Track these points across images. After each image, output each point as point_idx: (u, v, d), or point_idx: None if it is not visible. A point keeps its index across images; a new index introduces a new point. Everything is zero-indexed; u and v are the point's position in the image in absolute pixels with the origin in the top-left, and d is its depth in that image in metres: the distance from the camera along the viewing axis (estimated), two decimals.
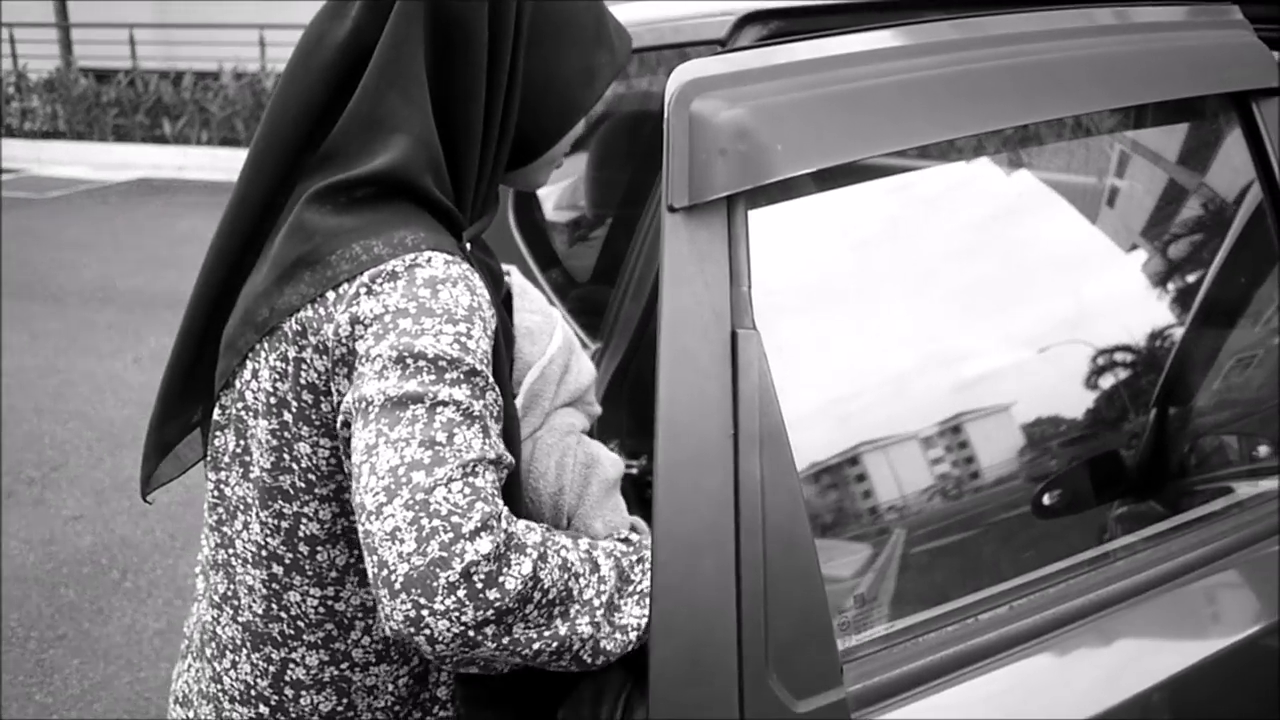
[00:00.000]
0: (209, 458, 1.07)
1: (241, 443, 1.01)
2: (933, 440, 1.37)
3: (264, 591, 1.01)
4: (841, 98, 0.91)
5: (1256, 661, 1.15)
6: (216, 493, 1.05)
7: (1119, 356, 1.68)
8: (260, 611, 1.02)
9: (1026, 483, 1.53)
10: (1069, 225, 1.52)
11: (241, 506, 1.02)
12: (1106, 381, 1.66)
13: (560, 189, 2.55)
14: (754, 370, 0.85)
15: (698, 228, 0.85)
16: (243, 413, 1.00)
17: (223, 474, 1.04)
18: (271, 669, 1.03)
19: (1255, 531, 1.19)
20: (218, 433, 1.04)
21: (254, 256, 1.01)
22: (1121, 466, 1.68)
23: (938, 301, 1.29)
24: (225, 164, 9.93)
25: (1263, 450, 1.65)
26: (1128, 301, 1.67)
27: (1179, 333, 1.66)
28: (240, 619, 1.04)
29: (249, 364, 0.99)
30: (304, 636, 1.02)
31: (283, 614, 1.01)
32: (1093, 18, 1.18)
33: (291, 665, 1.02)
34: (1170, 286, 1.68)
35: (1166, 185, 1.57)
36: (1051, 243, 1.52)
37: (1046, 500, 1.60)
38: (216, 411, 1.04)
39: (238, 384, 1.00)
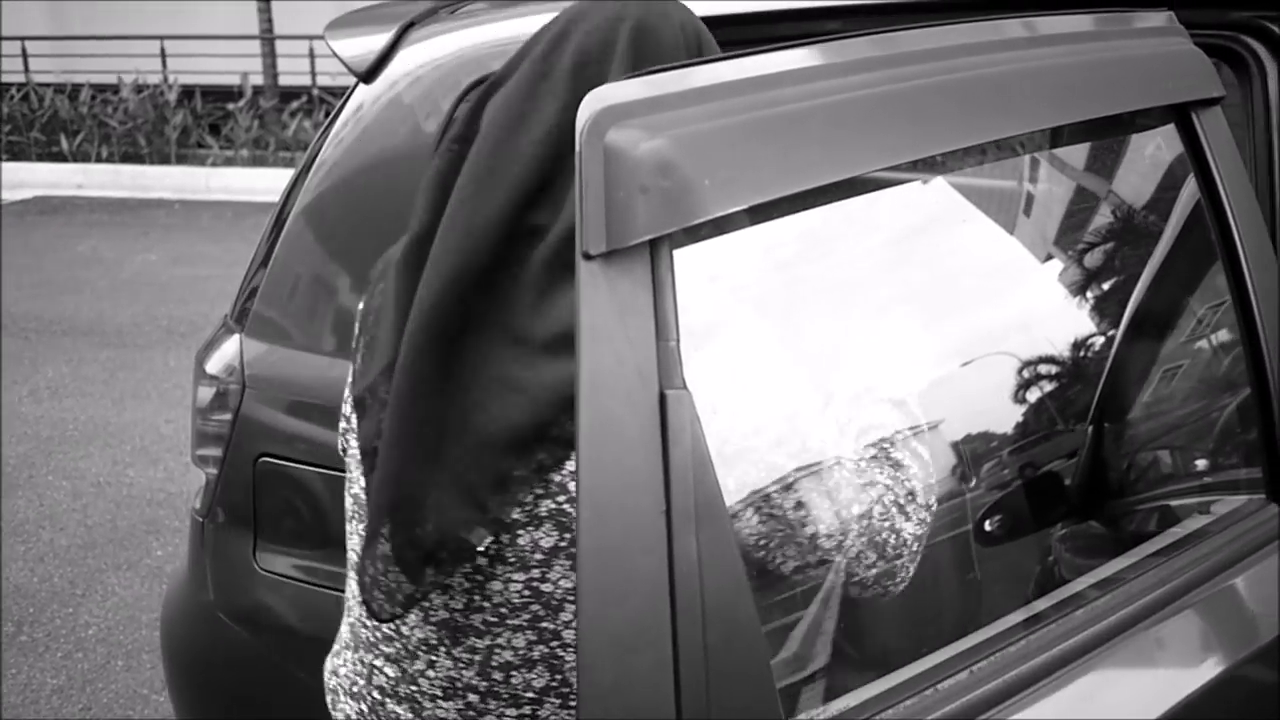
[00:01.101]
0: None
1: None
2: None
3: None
4: (773, 123, 0.82)
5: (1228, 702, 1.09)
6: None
7: (1055, 372, 1.63)
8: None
9: (969, 512, 1.47)
10: (1004, 245, 1.46)
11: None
12: (1042, 399, 1.60)
13: None
14: (686, 436, 0.75)
15: (618, 276, 0.75)
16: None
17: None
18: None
19: (1214, 564, 1.13)
20: None
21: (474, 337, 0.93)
22: (1061, 487, 1.63)
23: (875, 336, 1.20)
24: (128, 181, 9.55)
25: (1200, 464, 1.61)
26: (1063, 317, 1.62)
27: (1117, 347, 1.61)
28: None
29: None
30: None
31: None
32: (1032, 28, 1.11)
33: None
34: (1106, 301, 1.63)
35: (1102, 199, 1.52)
36: (988, 263, 1.46)
37: (988, 527, 1.54)
38: None
39: None
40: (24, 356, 5.54)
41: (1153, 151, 1.40)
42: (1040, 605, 1.07)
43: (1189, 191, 1.31)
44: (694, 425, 0.76)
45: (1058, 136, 1.22)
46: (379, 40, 1.72)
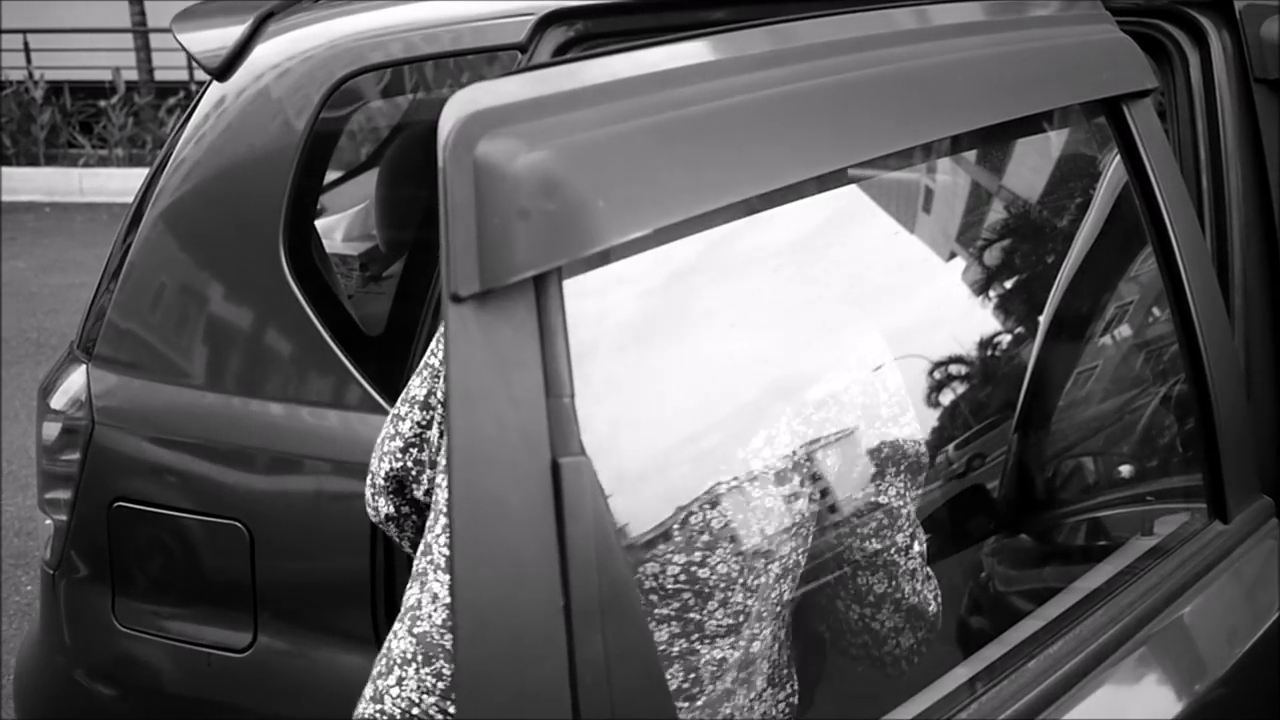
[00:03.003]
0: None
1: None
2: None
3: None
4: (678, 129, 0.69)
5: None
6: None
7: (977, 377, 1.55)
8: None
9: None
10: (923, 251, 1.37)
11: None
12: (963, 404, 1.52)
13: (351, 215, 2.25)
14: (587, 512, 0.62)
15: (496, 322, 0.61)
16: None
17: None
18: None
19: (1164, 594, 1.05)
20: None
21: None
22: (988, 500, 1.55)
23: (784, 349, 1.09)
24: None
25: (1124, 471, 1.55)
26: (984, 319, 1.54)
27: (1043, 349, 1.53)
28: None
29: None
30: None
31: None
32: (956, 14, 1.00)
33: None
34: (1029, 302, 1.55)
35: (1023, 195, 1.44)
36: (909, 270, 1.36)
37: (917, 548, 1.45)
38: None
39: None
40: None
41: (1078, 144, 1.32)
42: (988, 655, 0.97)
43: (1119, 185, 1.23)
44: (595, 498, 0.62)
45: (981, 133, 1.12)
46: (232, 33, 1.54)
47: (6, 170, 9.12)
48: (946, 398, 1.47)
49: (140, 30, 9.78)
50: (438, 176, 0.61)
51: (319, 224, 2.30)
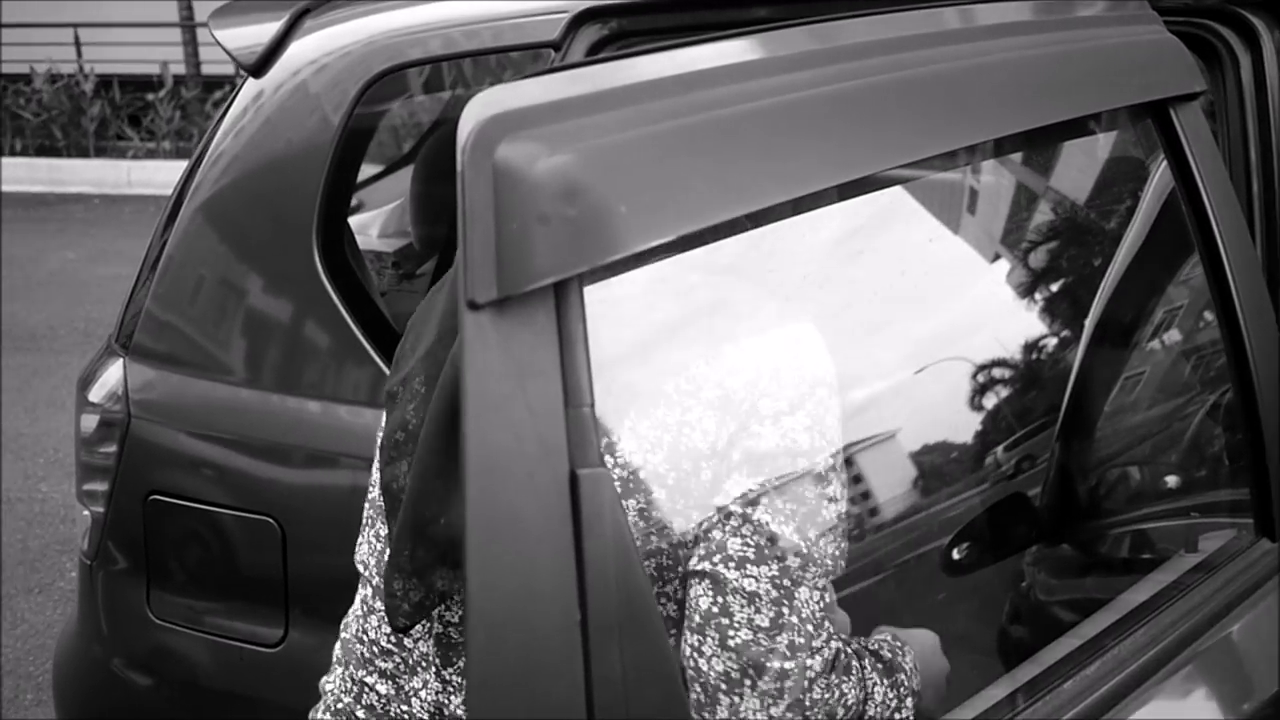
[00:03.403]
0: None
1: None
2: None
3: None
4: (706, 131, 0.67)
5: None
6: None
7: (1021, 384, 1.52)
8: None
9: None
10: (966, 254, 1.34)
11: None
12: (1006, 414, 1.49)
13: (387, 211, 2.26)
14: (605, 524, 0.60)
15: (514, 329, 0.60)
16: None
17: None
18: None
19: (1208, 614, 1.02)
20: None
21: None
22: (1030, 508, 1.52)
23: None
24: (45, 175, 9.15)
25: (1168, 482, 1.51)
26: (1027, 325, 1.51)
27: (1087, 356, 1.50)
28: None
29: None
30: None
31: None
32: (999, 14, 0.97)
33: None
34: (1073, 309, 1.52)
35: (1069, 199, 1.40)
36: (947, 270, 1.33)
37: (956, 556, 1.42)
38: None
39: None
40: None
41: (1124, 148, 1.29)
42: (1024, 674, 0.94)
43: (1166, 190, 1.19)
44: (614, 511, 0.61)
45: (1021, 137, 1.09)
46: (268, 29, 1.55)
47: (58, 162, 9.28)
48: (989, 403, 1.45)
49: (188, 25, 9.90)
50: (456, 180, 0.60)
51: (357, 219, 2.31)
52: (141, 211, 8.09)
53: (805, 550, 0.80)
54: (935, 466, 1.43)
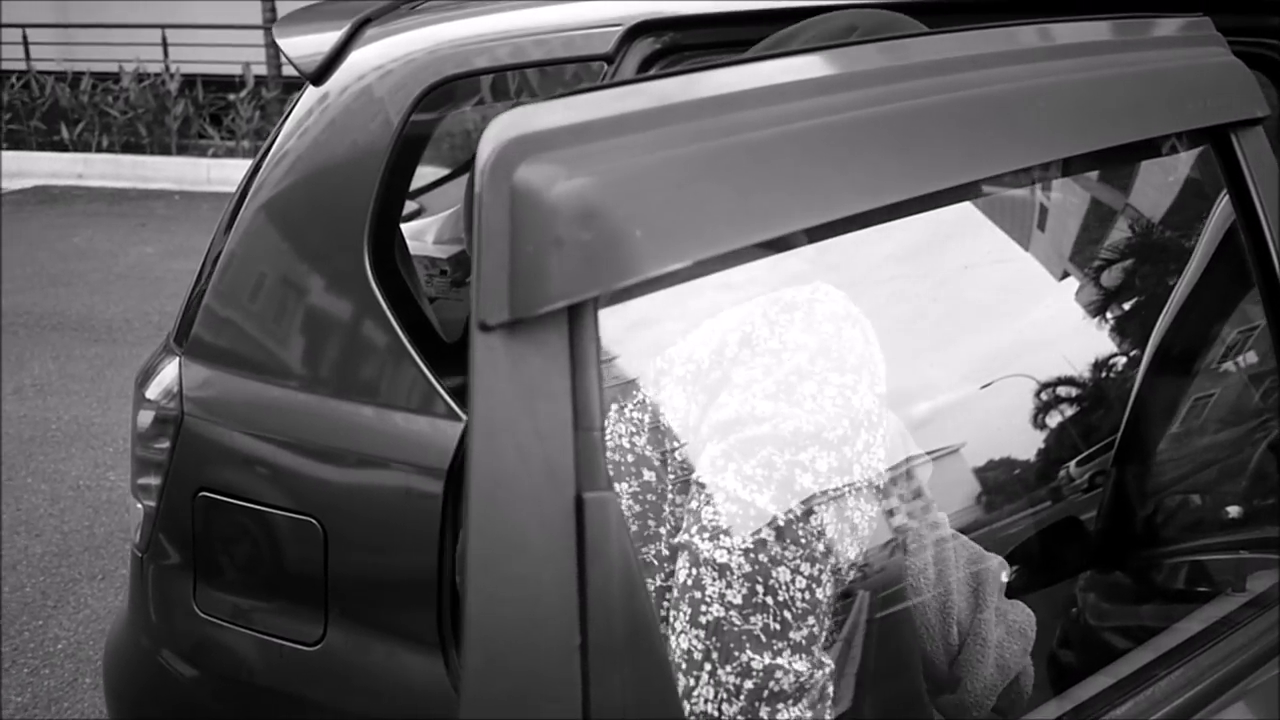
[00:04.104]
0: None
1: None
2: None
3: None
4: (729, 156, 0.67)
5: None
6: None
7: (1074, 409, 1.49)
8: None
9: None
10: (1020, 273, 1.31)
11: None
12: (1061, 436, 1.46)
13: (443, 218, 2.28)
14: (611, 549, 0.60)
15: (525, 352, 0.60)
16: None
17: None
18: None
19: (1250, 658, 0.98)
20: None
21: None
22: (1083, 533, 1.49)
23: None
24: (129, 171, 9.43)
25: (1223, 515, 1.46)
26: (1085, 349, 1.47)
27: (1145, 382, 1.47)
28: None
29: None
30: None
31: None
32: (1050, 35, 0.95)
33: None
34: (1129, 334, 1.48)
35: (1128, 224, 1.37)
36: (1005, 292, 1.31)
37: (1005, 578, 1.40)
38: None
39: None
40: (11, 353, 5.42)
41: (1187, 172, 1.25)
42: (1061, 706, 0.92)
43: (1229, 217, 1.16)
44: (621, 536, 0.61)
45: (1073, 161, 1.07)
46: (329, 38, 1.57)
47: (142, 159, 9.55)
48: (1045, 423, 1.42)
49: (270, 27, 10.11)
50: (473, 202, 0.61)
51: (416, 224, 2.34)
52: (219, 209, 8.23)
53: (782, 524, 0.75)
54: (990, 485, 1.41)
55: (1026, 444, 1.42)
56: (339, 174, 1.57)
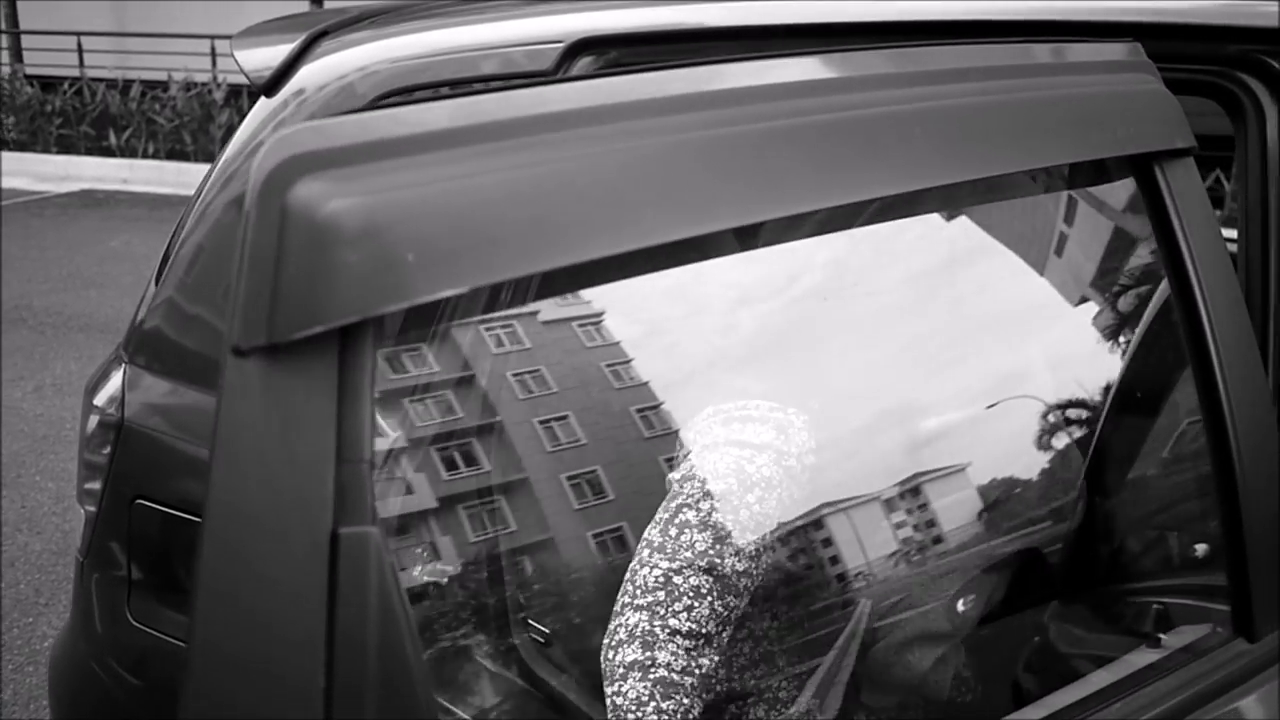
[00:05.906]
0: None
1: None
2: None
3: None
4: (533, 176, 0.64)
5: None
6: None
7: (1042, 443, 1.45)
8: None
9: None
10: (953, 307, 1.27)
11: None
12: (1028, 468, 1.43)
13: None
14: (368, 586, 0.57)
15: (284, 379, 0.57)
16: None
17: None
18: None
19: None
20: None
21: None
22: (1042, 566, 1.44)
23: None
24: (171, 177, 9.59)
25: (1200, 550, 1.41)
26: (1053, 387, 1.43)
27: (1099, 421, 1.42)
28: None
29: None
30: None
31: None
32: (972, 57, 0.91)
33: None
34: (1097, 373, 1.43)
35: (1026, 257, 1.31)
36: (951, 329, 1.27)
37: (961, 608, 1.36)
38: None
39: None
40: (35, 351, 5.51)
41: (1116, 210, 1.20)
42: None
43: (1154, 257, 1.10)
44: (381, 572, 0.58)
45: (959, 190, 1.02)
46: (282, 51, 1.57)
47: (185, 166, 9.72)
48: (1012, 457, 1.39)
49: None
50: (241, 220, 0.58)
51: None
52: None
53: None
54: (950, 515, 1.37)
55: (988, 476, 1.39)
56: None
